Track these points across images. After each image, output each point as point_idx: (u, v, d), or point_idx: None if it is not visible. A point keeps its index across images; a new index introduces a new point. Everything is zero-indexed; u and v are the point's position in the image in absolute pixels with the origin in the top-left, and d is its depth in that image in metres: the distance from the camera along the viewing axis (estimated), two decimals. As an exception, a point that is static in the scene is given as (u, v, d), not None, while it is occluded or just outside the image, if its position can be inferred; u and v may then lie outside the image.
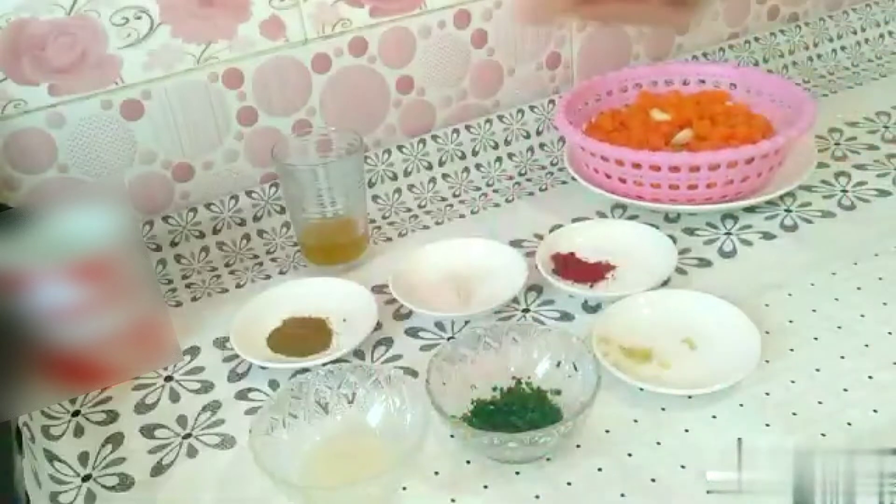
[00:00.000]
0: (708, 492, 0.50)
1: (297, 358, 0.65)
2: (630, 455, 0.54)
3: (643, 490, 0.52)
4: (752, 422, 0.56)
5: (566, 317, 0.68)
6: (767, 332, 0.62)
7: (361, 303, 0.69)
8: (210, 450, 0.59)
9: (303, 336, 0.67)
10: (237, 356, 0.66)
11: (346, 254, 0.77)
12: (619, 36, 1.00)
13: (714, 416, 0.56)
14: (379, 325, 0.68)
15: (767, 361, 0.60)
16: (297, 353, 0.66)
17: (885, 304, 0.65)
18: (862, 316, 0.64)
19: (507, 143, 0.93)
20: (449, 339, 0.67)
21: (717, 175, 0.75)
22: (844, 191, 0.80)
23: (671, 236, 0.74)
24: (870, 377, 0.58)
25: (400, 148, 0.90)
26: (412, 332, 0.68)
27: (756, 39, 1.07)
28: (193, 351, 0.69)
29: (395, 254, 0.77)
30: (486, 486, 0.53)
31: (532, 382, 0.58)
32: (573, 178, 0.84)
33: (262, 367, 0.65)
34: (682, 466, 0.53)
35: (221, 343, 0.69)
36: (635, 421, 0.57)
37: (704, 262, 0.73)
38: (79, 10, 0.73)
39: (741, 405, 0.57)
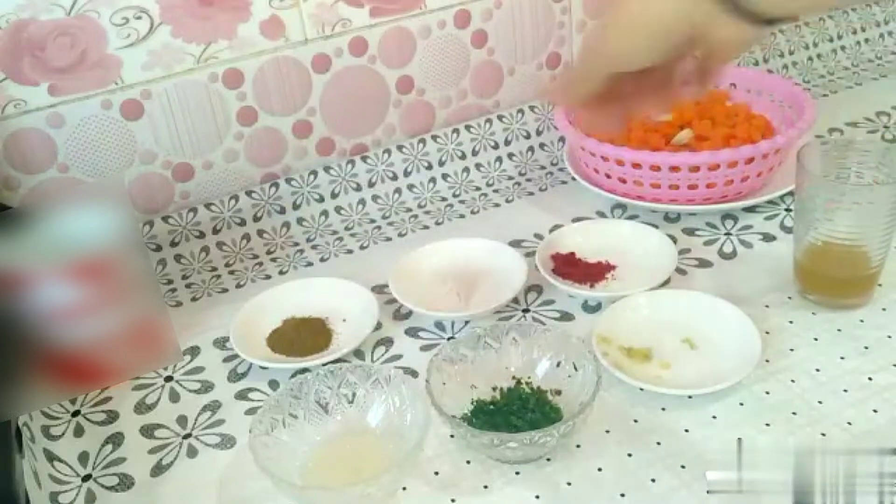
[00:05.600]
0: (708, 492, 0.50)
1: (297, 358, 0.65)
2: (630, 455, 0.54)
3: (643, 490, 0.52)
4: (752, 422, 0.56)
5: (566, 317, 0.68)
6: (767, 332, 0.62)
7: (361, 303, 0.69)
8: (210, 450, 0.59)
9: (303, 336, 0.67)
10: (237, 356, 0.66)
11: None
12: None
13: (714, 416, 0.56)
14: (379, 325, 0.68)
15: (767, 361, 0.60)
16: (297, 353, 0.66)
17: (884, 309, 0.65)
18: (861, 321, 0.64)
19: (507, 143, 0.93)
20: (449, 339, 0.67)
21: (717, 175, 0.75)
22: (844, 191, 0.80)
23: (671, 236, 0.74)
24: (869, 378, 0.58)
25: (400, 148, 0.90)
26: (412, 332, 0.68)
27: (756, 39, 1.07)
28: (193, 351, 0.69)
29: (395, 254, 0.77)
30: (486, 486, 0.53)
31: (532, 382, 0.58)
32: (573, 178, 0.84)
33: (263, 368, 0.65)
34: (682, 466, 0.53)
35: (221, 343, 0.69)
36: (635, 421, 0.57)
37: (704, 263, 0.73)
38: (79, 10, 0.73)
39: (741, 405, 0.57)
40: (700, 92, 0.54)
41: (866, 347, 0.61)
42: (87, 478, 0.57)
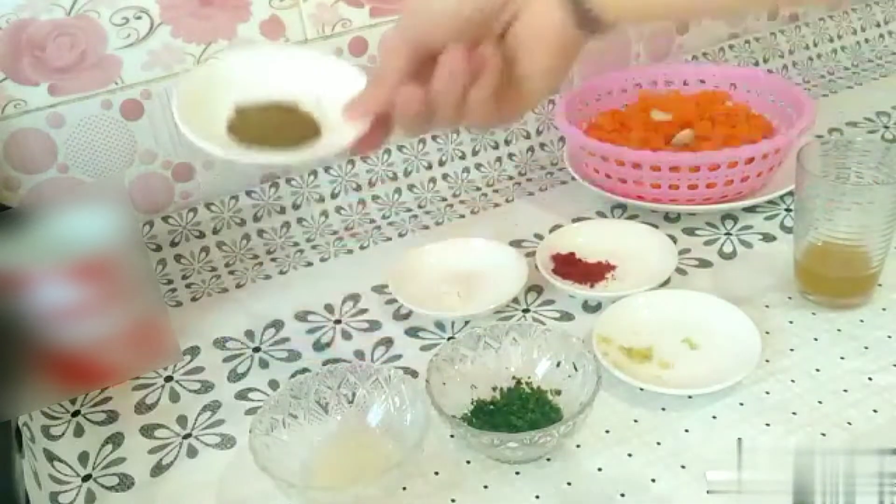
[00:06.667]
0: (708, 492, 0.49)
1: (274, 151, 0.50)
2: (630, 455, 0.54)
3: (643, 490, 0.52)
4: (752, 422, 0.56)
5: (566, 317, 0.68)
6: (767, 333, 0.62)
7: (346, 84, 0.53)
8: (210, 450, 0.59)
9: (275, 122, 0.52)
10: (237, 356, 0.66)
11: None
12: (619, 36, 1.00)
13: (714, 417, 0.56)
14: (379, 325, 0.68)
15: (767, 361, 0.60)
16: (273, 144, 0.50)
17: (884, 309, 0.65)
18: (861, 321, 0.64)
19: (507, 143, 0.93)
20: (449, 339, 0.67)
21: (717, 175, 0.75)
22: (844, 191, 0.80)
23: (671, 236, 0.74)
24: (869, 378, 0.58)
25: (400, 148, 0.90)
26: (412, 332, 0.68)
27: (756, 39, 1.07)
28: (193, 351, 0.69)
29: (395, 254, 0.77)
30: (486, 486, 0.53)
31: (532, 382, 0.58)
32: (573, 178, 0.84)
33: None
34: (682, 466, 0.53)
35: (221, 343, 0.69)
36: (635, 421, 0.57)
37: (704, 263, 0.73)
38: (79, 10, 0.73)
39: (741, 405, 0.57)
40: (509, 117, 0.52)
41: (866, 347, 0.61)
42: (87, 478, 0.57)
